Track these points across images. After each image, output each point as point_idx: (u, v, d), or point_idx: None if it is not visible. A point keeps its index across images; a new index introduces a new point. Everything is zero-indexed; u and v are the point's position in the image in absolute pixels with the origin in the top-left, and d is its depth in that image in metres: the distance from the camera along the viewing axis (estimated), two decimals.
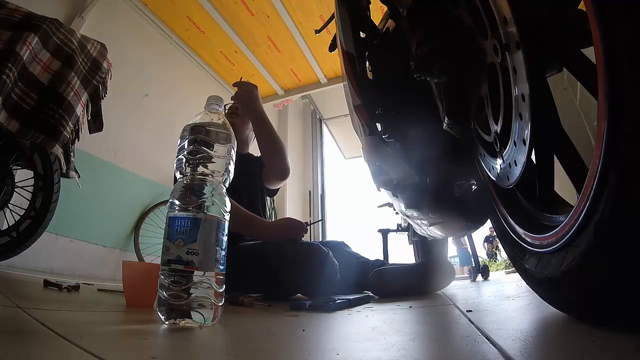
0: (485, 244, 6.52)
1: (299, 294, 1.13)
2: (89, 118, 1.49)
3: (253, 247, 1.19)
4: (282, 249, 1.12)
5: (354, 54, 0.84)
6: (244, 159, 1.54)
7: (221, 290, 0.55)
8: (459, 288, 1.39)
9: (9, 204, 1.41)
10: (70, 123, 1.35)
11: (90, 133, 1.53)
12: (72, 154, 1.41)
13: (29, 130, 1.24)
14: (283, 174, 1.49)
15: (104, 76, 1.49)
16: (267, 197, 1.61)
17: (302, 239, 1.22)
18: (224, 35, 3.07)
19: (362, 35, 0.88)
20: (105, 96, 1.52)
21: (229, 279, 0.59)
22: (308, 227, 1.25)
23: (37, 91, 1.26)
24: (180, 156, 0.60)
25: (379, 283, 1.10)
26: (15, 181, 1.41)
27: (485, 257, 6.24)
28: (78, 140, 1.42)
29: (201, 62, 3.40)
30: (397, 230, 2.33)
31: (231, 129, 0.63)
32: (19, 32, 1.20)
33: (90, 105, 1.47)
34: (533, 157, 0.50)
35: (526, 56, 0.43)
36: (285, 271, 1.06)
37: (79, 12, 2.29)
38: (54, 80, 1.30)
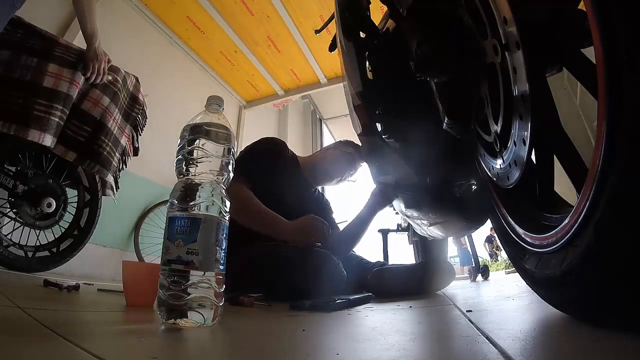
0: (486, 243, 6.51)
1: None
2: (137, 145, 1.69)
3: (263, 250, 1.14)
4: (292, 256, 1.07)
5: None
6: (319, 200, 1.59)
7: (221, 290, 0.55)
8: (459, 288, 1.40)
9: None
10: (117, 153, 1.53)
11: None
12: (118, 180, 1.61)
13: (84, 160, 1.40)
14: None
15: (141, 108, 1.67)
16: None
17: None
18: (224, 35, 3.07)
19: (362, 35, 0.88)
20: (145, 124, 1.72)
21: (230, 279, 0.59)
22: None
23: (90, 124, 1.41)
24: (180, 156, 0.59)
25: (379, 283, 1.10)
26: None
27: (488, 257, 6.22)
28: (125, 167, 1.62)
29: (201, 62, 3.40)
30: (397, 230, 2.33)
31: (231, 128, 0.63)
32: (73, 70, 1.33)
33: (134, 135, 1.66)
34: (533, 157, 0.50)
35: (526, 56, 0.43)
36: (292, 276, 1.03)
37: None
38: (104, 114, 1.45)
